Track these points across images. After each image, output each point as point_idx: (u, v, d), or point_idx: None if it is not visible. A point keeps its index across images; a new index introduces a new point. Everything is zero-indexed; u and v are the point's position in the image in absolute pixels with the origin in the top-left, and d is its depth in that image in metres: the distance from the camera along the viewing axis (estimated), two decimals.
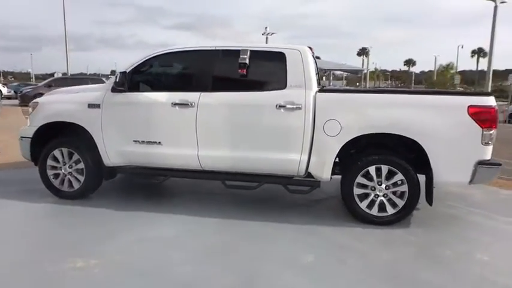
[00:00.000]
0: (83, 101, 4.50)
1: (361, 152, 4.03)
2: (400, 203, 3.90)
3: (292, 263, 3.17)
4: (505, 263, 3.28)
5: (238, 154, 4.14)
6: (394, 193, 3.92)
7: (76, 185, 4.62)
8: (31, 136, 4.67)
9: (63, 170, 4.64)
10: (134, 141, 4.37)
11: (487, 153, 3.72)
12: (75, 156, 4.55)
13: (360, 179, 3.95)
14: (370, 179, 3.93)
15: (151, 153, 4.34)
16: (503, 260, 3.33)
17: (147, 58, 4.40)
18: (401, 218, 3.95)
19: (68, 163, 4.60)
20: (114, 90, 4.37)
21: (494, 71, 23.19)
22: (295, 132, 3.98)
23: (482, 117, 3.65)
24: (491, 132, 3.67)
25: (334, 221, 4.09)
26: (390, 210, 3.93)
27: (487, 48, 25.43)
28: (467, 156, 3.72)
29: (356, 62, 71.01)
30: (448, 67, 50.93)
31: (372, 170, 3.90)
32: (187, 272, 2.99)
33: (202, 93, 4.16)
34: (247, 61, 4.08)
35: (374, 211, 3.96)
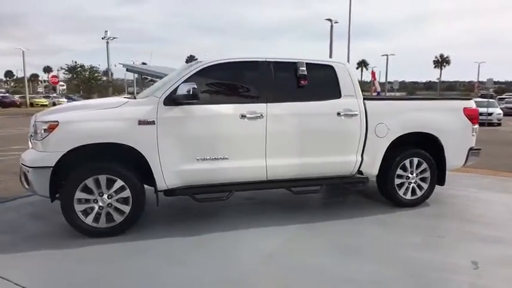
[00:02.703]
0: (130, 117, 3.82)
1: (396, 149, 4.83)
2: (425, 186, 4.92)
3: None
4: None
5: (304, 160, 4.36)
6: (421, 179, 4.91)
7: (118, 218, 3.86)
8: (52, 165, 3.65)
9: (100, 203, 3.81)
10: (197, 159, 4.01)
11: (474, 141, 5.11)
12: (118, 184, 3.81)
13: (399, 171, 4.78)
14: (406, 170, 4.81)
15: (217, 169, 4.08)
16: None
17: (203, 67, 4.10)
18: (422, 200, 4.96)
19: (107, 193, 3.81)
20: (169, 103, 3.90)
21: None
22: (353, 136, 4.50)
23: (472, 116, 5.03)
24: (476, 126, 5.09)
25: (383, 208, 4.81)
26: (419, 193, 4.91)
27: None
28: (463, 146, 5.03)
29: None
30: None
31: (407, 162, 4.79)
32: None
33: (269, 104, 4.20)
34: (306, 73, 4.35)
35: (408, 196, 4.87)
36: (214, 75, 4.19)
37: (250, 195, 5.22)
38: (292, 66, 4.38)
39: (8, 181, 6.53)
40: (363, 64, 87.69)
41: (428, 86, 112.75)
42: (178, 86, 3.93)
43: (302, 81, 4.35)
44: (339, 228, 4.20)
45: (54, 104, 42.26)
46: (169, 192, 4.05)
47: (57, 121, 3.69)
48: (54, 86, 58.04)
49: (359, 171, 4.67)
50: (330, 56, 24.67)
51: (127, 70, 40.60)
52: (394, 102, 5.08)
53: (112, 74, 38.54)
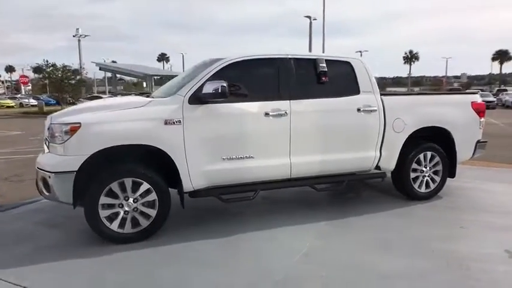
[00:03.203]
0: (156, 117, 3.68)
1: (410, 144, 4.90)
2: (437, 179, 5.03)
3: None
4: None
5: (327, 157, 4.35)
6: (434, 172, 5.01)
7: (144, 223, 3.72)
8: (76, 169, 3.45)
9: (126, 207, 3.64)
10: (223, 158, 3.91)
11: (481, 134, 5.28)
12: (144, 187, 3.66)
13: (414, 165, 4.87)
14: (420, 164, 4.90)
15: (242, 168, 4.00)
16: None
17: (226, 64, 4.01)
18: (435, 193, 5.07)
19: (133, 196, 3.66)
20: (194, 101, 3.79)
21: None
22: (372, 131, 4.54)
23: (479, 110, 5.18)
24: (482, 119, 5.25)
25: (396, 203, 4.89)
26: (432, 186, 5.02)
27: None
28: (472, 138, 5.18)
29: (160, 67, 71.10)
30: None
31: (421, 156, 4.88)
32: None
33: (292, 101, 4.15)
34: (326, 69, 4.34)
35: (422, 189, 4.97)
36: (238, 73, 4.09)
37: (265, 195, 5.16)
38: (313, 62, 4.37)
39: (0, 187, 6.16)
40: None
41: (397, 81, 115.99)
42: (203, 84, 3.82)
43: (323, 78, 4.33)
44: (364, 224, 4.23)
45: (21, 106, 40.35)
46: (194, 193, 3.93)
47: (79, 123, 3.49)
48: (18, 86, 55.50)
49: (377, 167, 4.72)
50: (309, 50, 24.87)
51: (100, 69, 39.83)
52: (410, 98, 5.17)
53: (86, 73, 37.29)
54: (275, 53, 4.31)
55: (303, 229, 4.08)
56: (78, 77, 28.02)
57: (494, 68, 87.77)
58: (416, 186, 4.92)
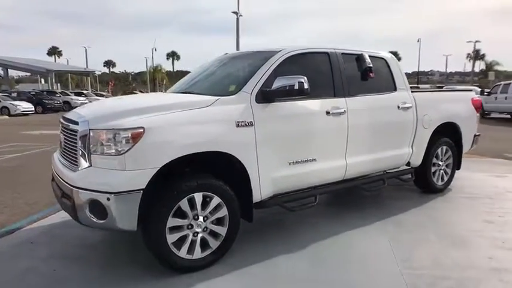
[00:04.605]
0: (227, 119, 3.09)
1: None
2: (449, 171, 5.30)
3: None
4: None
5: (375, 156, 4.23)
6: (447, 166, 5.27)
7: (214, 244, 3.12)
8: (143, 187, 2.70)
9: (196, 227, 3.01)
10: (289, 163, 3.50)
11: (477, 128, 5.72)
12: (215, 201, 3.07)
13: (434, 160, 5.04)
14: (438, 158, 5.10)
15: (306, 172, 3.63)
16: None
17: (286, 57, 3.59)
18: (447, 185, 5.34)
19: (203, 214, 3.03)
20: (262, 100, 3.30)
21: None
22: (409, 128, 4.56)
23: (477, 105, 5.61)
24: (478, 115, 5.69)
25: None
26: (445, 178, 5.27)
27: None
28: (472, 132, 5.58)
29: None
30: (157, 68, 55.81)
31: (439, 151, 5.08)
32: None
33: (347, 99, 3.92)
34: (372, 65, 4.21)
35: (439, 182, 5.19)
36: (295, 67, 3.67)
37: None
38: (359, 58, 4.18)
39: None
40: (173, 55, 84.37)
41: None
42: (268, 80, 3.35)
43: (370, 74, 4.18)
44: (416, 220, 4.20)
45: None
46: (259, 204, 3.43)
47: (142, 127, 2.75)
48: None
49: (408, 163, 4.76)
50: (237, 46, 24.76)
51: None
52: (434, 94, 5.33)
53: None
54: (324, 46, 4.02)
55: (367, 230, 3.90)
56: None
57: None
58: (435, 179, 5.12)
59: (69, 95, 32.63)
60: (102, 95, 35.82)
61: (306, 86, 3.27)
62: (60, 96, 31.01)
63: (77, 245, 3.57)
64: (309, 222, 4.14)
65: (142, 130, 2.73)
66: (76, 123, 2.97)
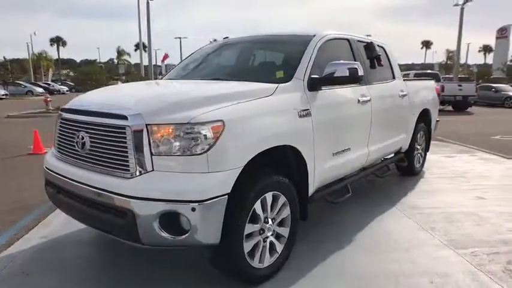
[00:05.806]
0: (291, 109, 2.78)
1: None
2: (423, 154, 5.74)
3: None
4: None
5: (386, 143, 4.33)
6: (421, 149, 5.68)
7: (279, 247, 2.81)
8: (229, 191, 2.27)
9: (267, 232, 2.66)
10: (333, 153, 3.34)
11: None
12: (281, 200, 2.76)
13: (416, 145, 5.39)
14: (417, 142, 5.45)
15: (343, 163, 3.51)
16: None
17: (323, 41, 3.42)
18: (422, 166, 5.77)
19: (272, 216, 2.70)
20: (313, 87, 3.07)
21: None
22: (405, 114, 4.77)
23: (438, 93, 6.15)
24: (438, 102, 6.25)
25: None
26: (421, 161, 5.69)
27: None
28: (435, 115, 6.11)
29: None
30: (42, 55, 49.62)
31: (418, 136, 5.44)
32: None
33: (368, 86, 3.90)
34: (380, 53, 4.26)
35: (418, 165, 5.58)
36: (329, 53, 3.47)
37: None
38: (368, 45, 4.18)
39: None
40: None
41: None
42: (313, 66, 3.14)
43: (381, 62, 4.23)
44: (432, 205, 4.35)
45: None
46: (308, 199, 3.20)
47: (221, 120, 2.29)
48: None
49: (400, 148, 4.99)
50: (149, 37, 23.24)
51: None
52: (417, 83, 5.61)
53: None
54: (344, 33, 3.92)
55: (388, 219, 3.94)
56: None
57: None
58: (415, 162, 5.48)
59: None
60: None
61: (360, 72, 3.12)
62: None
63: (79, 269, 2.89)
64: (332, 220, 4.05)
65: (221, 124, 2.29)
66: (119, 117, 2.34)
